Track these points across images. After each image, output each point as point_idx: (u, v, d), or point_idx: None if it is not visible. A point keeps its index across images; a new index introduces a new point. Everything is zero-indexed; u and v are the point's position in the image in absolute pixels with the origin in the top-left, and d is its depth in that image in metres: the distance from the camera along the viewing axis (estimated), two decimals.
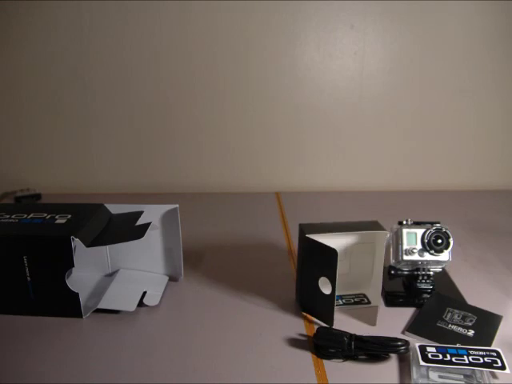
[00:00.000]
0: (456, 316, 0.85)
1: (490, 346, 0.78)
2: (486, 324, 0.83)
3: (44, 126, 1.52)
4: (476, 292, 0.94)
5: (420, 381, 0.69)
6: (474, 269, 1.04)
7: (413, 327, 0.83)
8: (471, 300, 0.91)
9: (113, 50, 1.44)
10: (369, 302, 0.92)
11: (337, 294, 0.83)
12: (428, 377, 0.69)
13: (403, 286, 0.96)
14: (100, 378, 0.70)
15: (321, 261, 0.82)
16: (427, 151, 1.56)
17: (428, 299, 0.91)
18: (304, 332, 0.82)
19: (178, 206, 0.94)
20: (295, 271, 1.02)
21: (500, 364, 0.70)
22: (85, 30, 1.42)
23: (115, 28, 1.42)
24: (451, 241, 0.91)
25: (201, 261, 1.08)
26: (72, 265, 0.81)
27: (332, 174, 1.58)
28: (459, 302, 0.90)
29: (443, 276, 0.99)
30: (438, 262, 0.92)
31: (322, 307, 0.84)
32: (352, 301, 0.92)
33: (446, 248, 0.91)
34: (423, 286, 0.94)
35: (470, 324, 0.83)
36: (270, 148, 1.55)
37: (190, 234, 1.22)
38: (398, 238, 0.92)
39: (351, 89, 1.49)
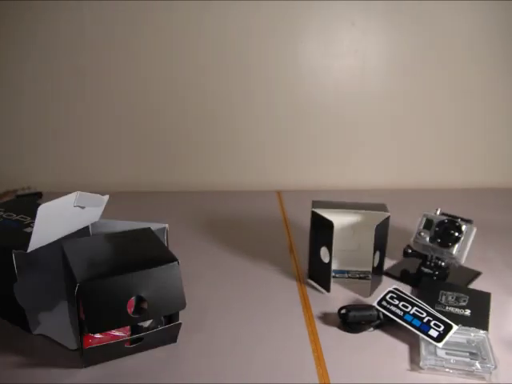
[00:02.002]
0: (450, 298, 0.89)
1: (487, 323, 0.84)
2: (479, 302, 0.88)
3: (45, 126, 1.52)
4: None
5: (428, 357, 0.74)
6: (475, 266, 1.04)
7: None
8: None
9: (113, 50, 1.45)
10: (370, 279, 0.96)
11: (344, 268, 0.99)
12: (436, 354, 0.75)
13: (417, 269, 1.00)
14: None
15: (322, 232, 0.91)
16: (429, 150, 1.56)
17: (421, 285, 0.94)
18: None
19: (166, 225, 0.87)
20: (295, 267, 1.03)
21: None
22: (86, 30, 1.42)
23: (116, 29, 1.43)
24: (461, 236, 0.95)
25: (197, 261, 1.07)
26: (14, 278, 0.74)
27: (333, 172, 1.59)
28: (450, 285, 0.94)
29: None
30: (448, 254, 0.96)
31: (321, 274, 0.94)
32: (357, 276, 1.00)
33: (455, 242, 0.95)
34: (426, 271, 0.98)
35: (465, 304, 0.88)
36: (271, 147, 1.56)
37: (190, 233, 1.22)
38: (419, 222, 1.01)
39: (353, 87, 1.49)
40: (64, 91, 1.48)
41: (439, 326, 0.78)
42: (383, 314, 0.81)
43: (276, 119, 1.53)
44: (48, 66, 1.45)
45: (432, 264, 0.98)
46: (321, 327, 0.83)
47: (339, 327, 0.82)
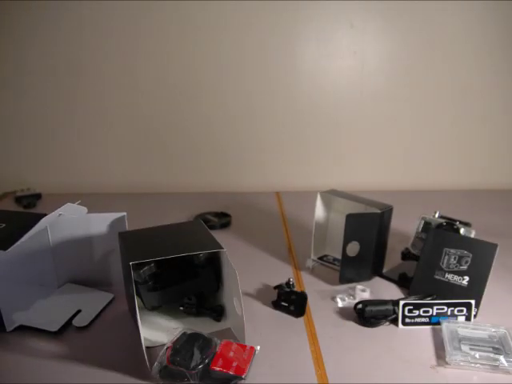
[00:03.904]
0: (452, 259, 0.89)
1: (482, 293, 0.85)
2: (481, 262, 0.86)
3: (44, 127, 1.52)
4: None
5: (454, 352, 0.74)
6: None
7: (413, 288, 0.91)
8: None
9: (113, 51, 1.44)
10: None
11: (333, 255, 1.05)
12: (460, 349, 0.75)
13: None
14: None
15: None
16: (427, 151, 1.56)
17: (427, 239, 0.92)
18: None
19: (125, 213, 0.88)
20: (294, 268, 1.03)
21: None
22: (85, 30, 1.42)
23: (116, 29, 1.42)
24: None
25: None
26: None
27: (332, 173, 1.59)
28: (455, 238, 0.91)
29: None
30: None
31: None
32: (331, 260, 1.08)
33: None
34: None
35: (466, 267, 0.87)
36: (270, 148, 1.56)
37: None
38: (417, 225, 1.01)
39: (351, 88, 1.50)
40: (64, 92, 1.48)
41: (462, 310, 0.82)
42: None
43: (275, 120, 1.53)
44: (48, 66, 1.45)
45: None
46: (320, 327, 0.83)
47: (355, 321, 0.84)
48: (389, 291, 0.95)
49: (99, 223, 0.90)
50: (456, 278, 0.88)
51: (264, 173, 1.59)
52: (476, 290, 0.85)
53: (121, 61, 1.45)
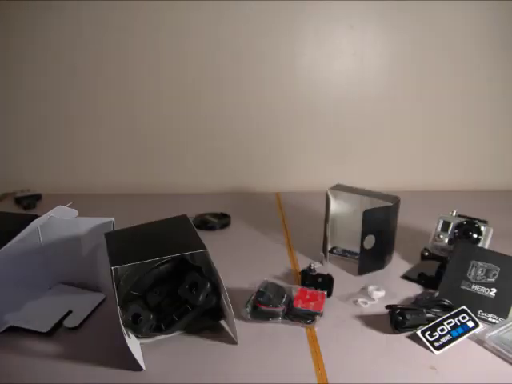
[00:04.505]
0: (479, 271, 0.88)
1: (508, 311, 0.85)
2: (509, 277, 0.86)
3: (44, 127, 1.51)
4: None
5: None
6: None
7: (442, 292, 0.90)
8: None
9: (112, 52, 1.44)
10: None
11: (345, 248, 1.10)
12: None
13: (436, 271, 1.00)
14: None
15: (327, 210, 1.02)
16: (427, 151, 1.56)
17: (454, 250, 0.92)
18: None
19: (112, 219, 0.87)
20: (294, 268, 1.03)
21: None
22: (84, 30, 1.42)
23: (116, 30, 1.42)
24: (481, 237, 0.96)
25: None
26: None
27: (332, 173, 1.58)
28: (483, 251, 0.92)
29: None
30: None
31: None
32: (347, 255, 1.11)
33: (475, 243, 0.96)
34: None
35: (493, 280, 0.87)
36: (270, 148, 1.56)
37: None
38: (436, 225, 1.02)
39: (351, 89, 1.50)
40: (63, 93, 1.47)
41: (465, 317, 0.82)
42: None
43: (275, 121, 1.53)
44: (47, 67, 1.45)
45: None
46: (320, 327, 0.83)
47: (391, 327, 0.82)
48: (403, 290, 0.96)
49: (87, 227, 0.90)
50: (483, 289, 0.87)
51: (264, 173, 1.59)
52: (503, 302, 0.85)
53: (120, 61, 1.45)
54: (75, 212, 0.85)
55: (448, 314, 0.83)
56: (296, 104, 1.51)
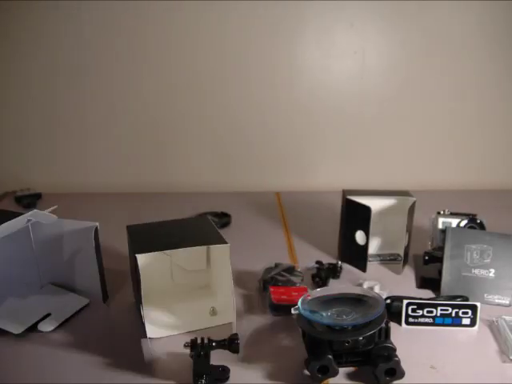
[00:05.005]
0: (475, 254, 0.89)
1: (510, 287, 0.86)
2: (503, 254, 0.88)
3: (45, 127, 1.51)
4: None
5: None
6: None
7: (444, 289, 0.90)
8: None
9: (113, 52, 1.44)
10: (401, 260, 1.04)
11: (374, 252, 1.07)
12: None
13: (438, 273, 0.99)
14: None
15: (358, 217, 0.99)
16: (428, 150, 1.56)
17: (446, 237, 0.92)
18: None
19: (96, 224, 0.86)
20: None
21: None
22: (84, 30, 1.42)
23: (116, 30, 1.42)
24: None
25: None
26: None
27: (332, 173, 1.59)
28: (473, 233, 0.93)
29: None
30: None
31: (357, 257, 1.02)
32: (388, 258, 1.08)
33: None
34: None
35: (489, 260, 0.88)
36: (270, 148, 1.55)
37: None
38: (434, 227, 1.01)
39: (351, 88, 1.50)
40: (63, 93, 1.47)
41: (467, 313, 0.81)
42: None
43: (275, 121, 1.53)
44: (48, 67, 1.45)
45: None
46: None
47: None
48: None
49: (71, 228, 0.89)
50: (483, 271, 0.88)
51: (264, 173, 1.59)
52: (504, 281, 0.87)
53: (121, 61, 1.45)
54: (54, 217, 0.86)
55: (450, 302, 0.82)
56: (296, 104, 1.51)
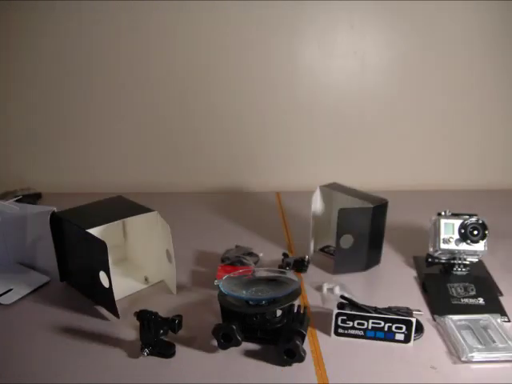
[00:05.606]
0: (459, 289, 0.91)
1: (504, 312, 0.86)
2: (485, 288, 0.91)
3: (45, 127, 1.52)
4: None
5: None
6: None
7: (437, 311, 0.87)
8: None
9: (114, 52, 1.44)
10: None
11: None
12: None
13: (440, 273, 1.00)
14: None
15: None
16: (428, 150, 1.55)
17: (427, 288, 0.93)
18: None
19: (53, 208, 0.94)
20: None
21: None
22: (90, 31, 1.42)
23: (118, 30, 1.43)
24: (487, 232, 0.96)
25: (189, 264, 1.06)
26: None
27: (332, 173, 1.58)
28: (452, 276, 0.96)
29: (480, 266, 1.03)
30: (474, 252, 0.97)
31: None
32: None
33: (483, 239, 0.97)
34: (459, 274, 0.97)
35: (474, 293, 0.90)
36: (270, 148, 1.55)
37: (191, 233, 1.22)
38: (436, 228, 0.99)
39: (351, 88, 1.49)
40: (64, 93, 1.48)
41: (401, 328, 0.77)
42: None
43: (275, 121, 1.52)
44: (48, 67, 1.46)
45: (461, 266, 0.98)
46: (320, 327, 0.83)
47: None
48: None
49: (33, 213, 0.97)
50: (472, 300, 0.88)
51: (264, 173, 1.59)
52: (495, 306, 0.87)
53: (121, 61, 1.45)
54: (16, 208, 0.96)
55: (382, 315, 0.78)
56: (296, 104, 1.50)
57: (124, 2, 1.39)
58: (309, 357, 0.75)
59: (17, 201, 1.40)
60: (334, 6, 1.40)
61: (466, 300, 0.88)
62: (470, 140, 1.54)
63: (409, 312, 0.82)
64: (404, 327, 0.77)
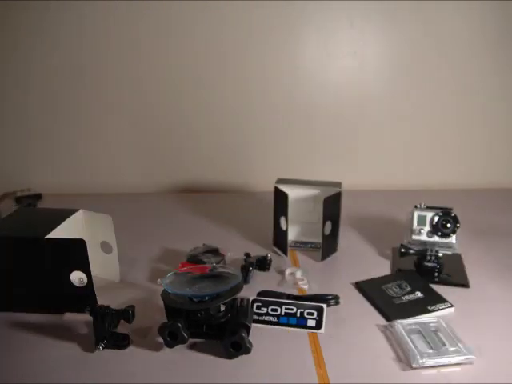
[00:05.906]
0: (395, 289, 0.91)
1: (443, 299, 0.87)
2: (417, 283, 0.92)
3: (45, 127, 1.53)
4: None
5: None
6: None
7: (387, 316, 0.85)
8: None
9: (115, 52, 1.46)
10: (320, 248, 1.06)
11: (306, 240, 1.12)
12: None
13: (414, 264, 1.01)
14: None
15: (280, 203, 1.07)
16: (427, 150, 1.55)
17: (365, 294, 0.92)
18: None
19: None
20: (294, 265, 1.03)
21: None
22: (87, 30, 1.43)
23: (117, 30, 1.44)
24: (459, 225, 0.97)
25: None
26: None
27: (332, 172, 1.58)
28: (378, 279, 0.95)
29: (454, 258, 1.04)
30: (446, 245, 0.98)
31: (281, 241, 1.09)
32: (309, 246, 1.13)
33: (454, 232, 0.97)
34: (431, 265, 0.98)
35: (410, 288, 0.90)
36: (270, 148, 1.55)
37: (192, 233, 1.22)
38: (409, 220, 1.01)
39: (351, 88, 1.49)
40: (64, 93, 1.50)
41: (312, 314, 0.77)
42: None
43: (275, 121, 1.52)
44: (49, 67, 1.47)
45: (433, 257, 0.98)
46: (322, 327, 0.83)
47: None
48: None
49: None
50: (411, 296, 0.88)
51: (264, 172, 1.58)
52: (434, 296, 0.88)
53: (122, 61, 1.46)
54: None
55: (297, 302, 0.79)
56: (296, 103, 1.50)
57: (121, 3, 1.39)
58: (309, 357, 0.75)
59: (17, 202, 1.42)
60: (334, 5, 1.40)
61: (406, 297, 0.88)
62: (470, 140, 1.53)
63: (336, 300, 0.83)
64: (315, 313, 0.77)
